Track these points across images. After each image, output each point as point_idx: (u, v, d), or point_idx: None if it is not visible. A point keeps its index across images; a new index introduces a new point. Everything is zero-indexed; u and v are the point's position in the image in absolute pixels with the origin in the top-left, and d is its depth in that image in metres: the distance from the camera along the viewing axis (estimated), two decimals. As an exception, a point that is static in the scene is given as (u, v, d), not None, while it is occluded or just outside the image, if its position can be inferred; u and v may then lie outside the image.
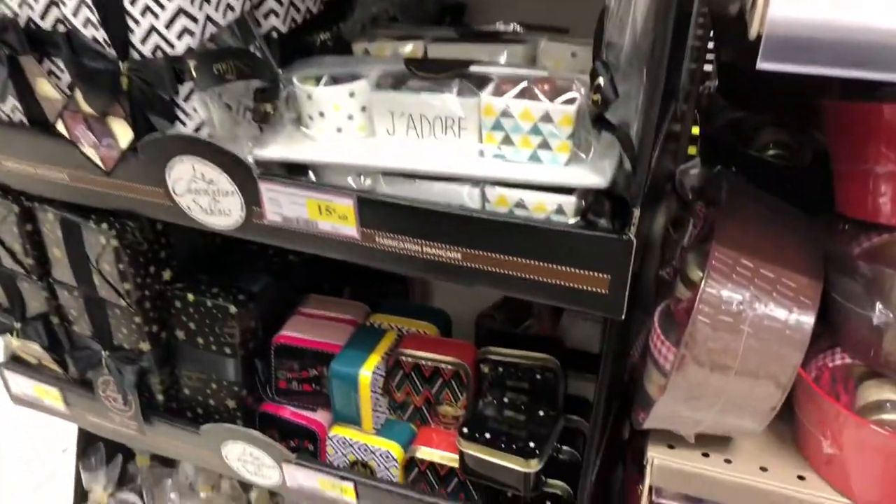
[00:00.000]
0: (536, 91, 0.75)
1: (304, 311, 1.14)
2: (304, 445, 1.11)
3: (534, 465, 0.94)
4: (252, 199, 0.84)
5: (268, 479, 1.12)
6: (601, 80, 0.69)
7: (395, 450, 1.05)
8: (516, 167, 0.77)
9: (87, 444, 1.43)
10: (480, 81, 0.79)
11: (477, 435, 0.97)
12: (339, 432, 1.08)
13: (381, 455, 1.06)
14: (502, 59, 0.90)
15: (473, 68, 0.79)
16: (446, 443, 1.05)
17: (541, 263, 0.74)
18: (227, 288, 1.05)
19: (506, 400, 1.03)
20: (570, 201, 0.76)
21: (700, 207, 0.90)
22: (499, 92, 0.77)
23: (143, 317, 1.04)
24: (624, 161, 0.73)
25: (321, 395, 1.09)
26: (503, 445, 0.96)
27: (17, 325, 1.15)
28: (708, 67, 1.17)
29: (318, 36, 0.94)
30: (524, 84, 0.75)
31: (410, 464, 1.05)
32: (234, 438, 1.08)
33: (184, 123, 0.83)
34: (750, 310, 0.78)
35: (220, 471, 1.41)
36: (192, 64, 0.74)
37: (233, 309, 1.02)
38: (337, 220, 0.81)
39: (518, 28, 1.10)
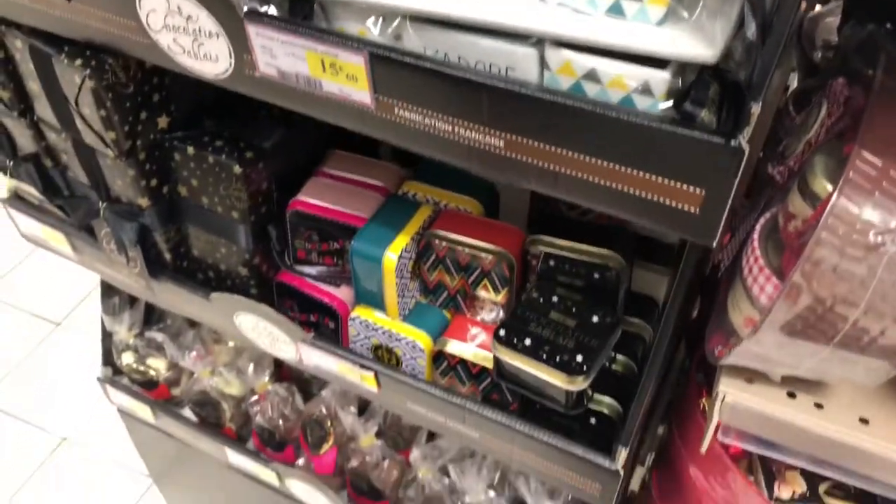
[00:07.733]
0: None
1: (326, 171, 0.96)
2: (325, 322, 0.99)
3: (578, 383, 0.79)
4: (241, 45, 0.65)
5: (284, 353, 1.01)
6: None
7: (422, 340, 0.91)
8: (588, 21, 0.55)
9: (108, 286, 1.34)
10: None
11: (515, 340, 0.82)
12: (363, 314, 0.94)
13: (406, 344, 0.92)
14: None
15: None
16: (481, 337, 0.91)
17: (607, 164, 0.55)
18: (232, 142, 0.88)
19: (555, 299, 0.86)
20: (661, 78, 0.54)
21: (839, 85, 0.66)
22: None
23: (138, 169, 0.89)
24: (747, 24, 0.50)
25: (344, 270, 0.95)
26: (545, 356, 0.80)
27: (10, 162, 1.02)
28: None
29: None
30: None
31: (439, 356, 0.92)
32: (245, 310, 0.96)
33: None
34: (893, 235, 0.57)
35: (234, 339, 1.32)
36: None
37: (237, 168, 0.86)
38: (345, 80, 0.61)
39: None
